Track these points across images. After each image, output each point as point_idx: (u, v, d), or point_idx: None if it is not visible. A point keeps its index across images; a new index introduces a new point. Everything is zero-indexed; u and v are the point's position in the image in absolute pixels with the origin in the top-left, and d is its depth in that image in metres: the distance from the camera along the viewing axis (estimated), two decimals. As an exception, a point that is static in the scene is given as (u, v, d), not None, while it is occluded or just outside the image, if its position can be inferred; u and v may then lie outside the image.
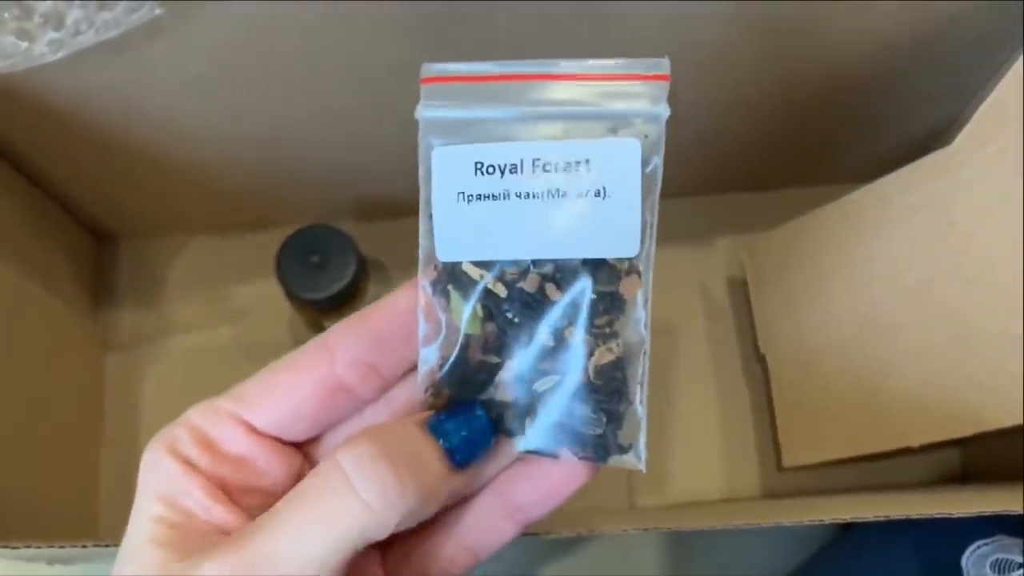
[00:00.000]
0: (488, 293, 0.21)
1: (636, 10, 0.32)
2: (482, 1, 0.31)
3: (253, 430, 0.21)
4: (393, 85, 0.34)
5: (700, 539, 0.44)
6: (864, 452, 0.38)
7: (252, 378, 0.22)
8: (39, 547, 0.26)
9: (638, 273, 0.21)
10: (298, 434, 0.22)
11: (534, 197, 0.20)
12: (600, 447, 0.21)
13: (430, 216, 0.21)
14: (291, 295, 0.42)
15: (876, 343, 0.37)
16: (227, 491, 0.21)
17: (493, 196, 0.20)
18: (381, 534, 0.19)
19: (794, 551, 0.43)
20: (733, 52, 0.36)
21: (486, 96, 0.20)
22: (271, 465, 0.22)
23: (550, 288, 0.21)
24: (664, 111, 0.21)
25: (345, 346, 0.21)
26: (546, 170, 0.20)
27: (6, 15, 0.29)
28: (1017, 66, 0.31)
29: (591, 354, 0.21)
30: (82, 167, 0.41)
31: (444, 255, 0.21)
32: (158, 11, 0.30)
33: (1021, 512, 0.25)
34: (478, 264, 0.21)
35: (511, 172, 0.20)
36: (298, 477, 0.22)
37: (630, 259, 0.21)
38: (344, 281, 0.41)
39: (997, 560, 0.30)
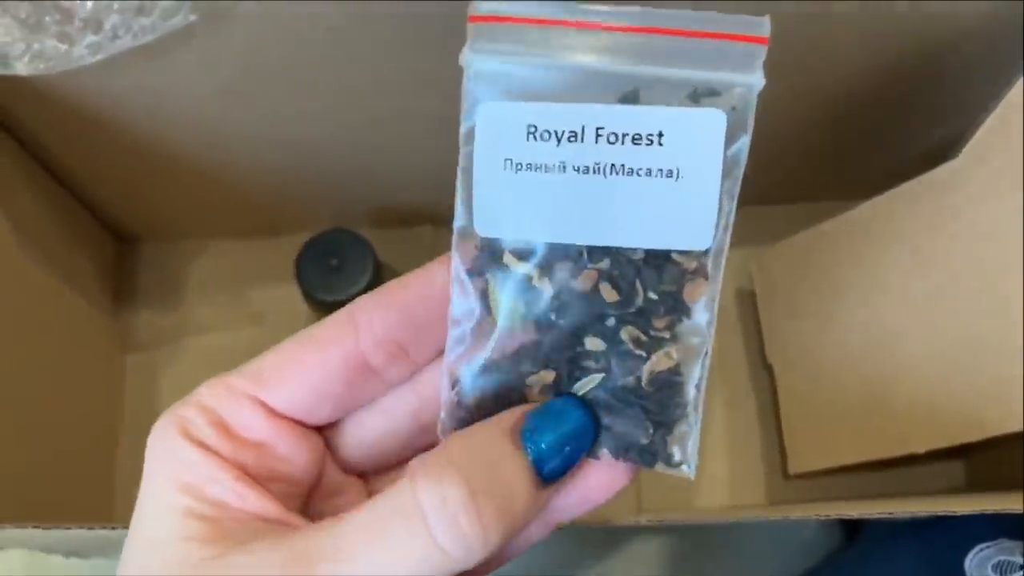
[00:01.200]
0: (533, 288, 0.18)
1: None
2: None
3: (272, 412, 0.19)
4: (418, 93, 0.34)
5: (706, 548, 0.45)
6: (869, 458, 0.38)
7: (268, 353, 0.20)
8: (68, 528, 0.27)
9: (705, 274, 0.18)
10: (320, 417, 0.20)
11: (594, 172, 0.17)
12: (647, 452, 0.19)
13: (470, 184, 0.18)
14: (309, 297, 0.43)
15: (882, 352, 0.38)
16: (251, 477, 0.19)
17: (546, 167, 0.17)
18: (455, 573, 0.17)
19: (800, 560, 0.43)
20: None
21: (547, 45, 0.17)
22: (292, 450, 0.20)
23: (605, 288, 0.18)
24: (759, 81, 0.17)
25: (373, 321, 0.19)
26: (611, 141, 0.17)
27: (47, 19, 0.31)
28: (1019, 83, 0.32)
29: (647, 359, 0.18)
30: (108, 169, 0.42)
31: (484, 229, 0.18)
32: (192, 17, 0.31)
33: (1021, 512, 0.26)
34: (522, 255, 0.18)
35: (570, 140, 0.17)
36: (320, 463, 0.20)
37: (699, 252, 0.18)
38: (360, 285, 0.42)
39: (999, 563, 0.31)
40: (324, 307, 0.43)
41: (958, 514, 0.28)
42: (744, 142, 0.17)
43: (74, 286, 0.43)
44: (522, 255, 0.18)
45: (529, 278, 0.18)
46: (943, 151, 0.38)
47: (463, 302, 0.19)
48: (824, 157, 0.45)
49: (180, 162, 0.41)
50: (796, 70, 0.37)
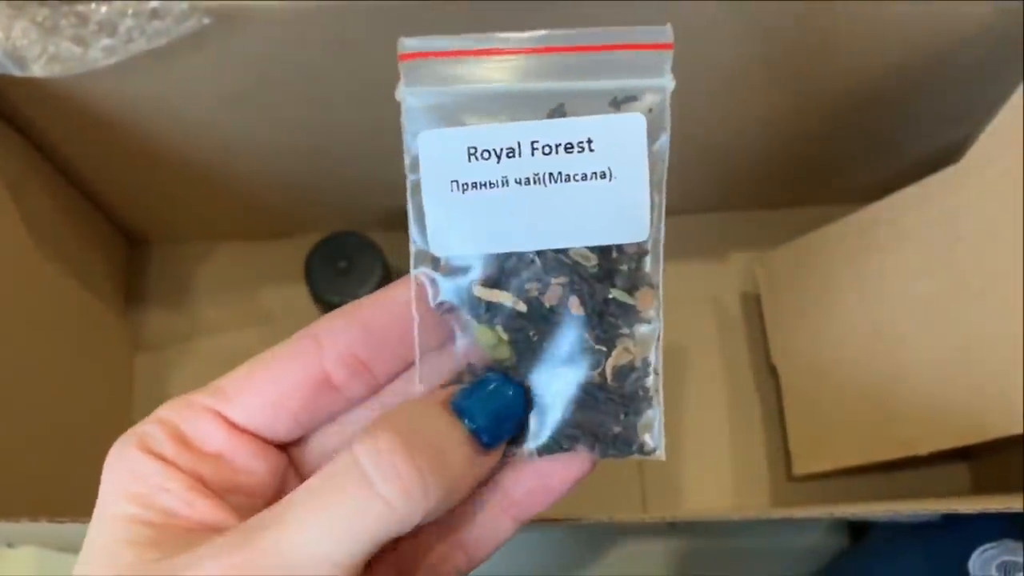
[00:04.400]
0: (511, 313, 0.20)
1: (645, 22, 0.33)
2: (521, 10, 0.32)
3: (232, 426, 0.20)
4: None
5: (710, 551, 0.45)
6: (873, 460, 0.38)
7: (233, 371, 0.20)
8: (82, 522, 0.27)
9: (648, 266, 0.19)
10: (280, 432, 0.20)
11: (535, 183, 0.19)
12: (620, 442, 0.20)
13: (420, 208, 0.19)
14: (317, 298, 0.43)
15: (886, 354, 0.38)
16: (208, 489, 0.19)
17: (490, 183, 0.19)
18: (403, 531, 0.18)
19: (805, 564, 0.43)
20: (747, 72, 0.37)
21: (473, 75, 0.19)
22: (252, 463, 0.20)
23: (572, 301, 0.20)
24: (669, 82, 0.19)
25: (335, 338, 0.20)
26: (546, 152, 0.19)
27: (63, 22, 0.31)
28: (1022, 87, 0.33)
29: (608, 354, 0.20)
30: (120, 171, 0.42)
31: (439, 250, 0.19)
32: (206, 21, 0.31)
33: (1022, 510, 0.26)
34: (492, 284, 0.20)
35: (508, 156, 0.19)
36: (283, 480, 0.21)
37: (640, 244, 0.19)
38: (369, 287, 0.43)
39: (1003, 563, 0.31)
40: (333, 309, 0.43)
41: (962, 515, 0.29)
42: (664, 139, 0.19)
43: (85, 287, 0.44)
44: (493, 284, 0.20)
45: (493, 297, 0.20)
46: (947, 155, 0.39)
47: (433, 331, 0.20)
48: (828, 161, 0.45)
49: (191, 165, 0.41)
50: (800, 75, 0.37)
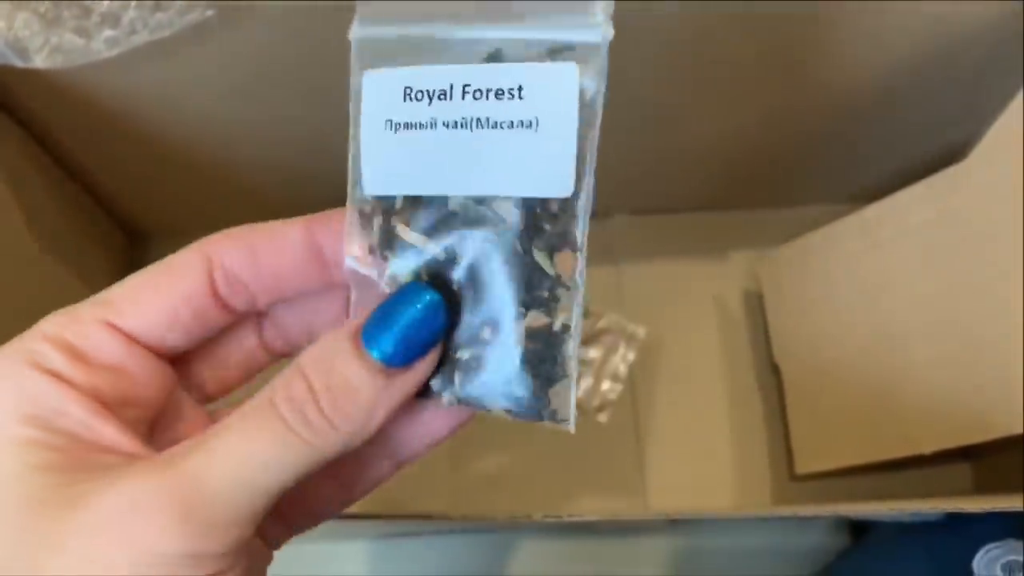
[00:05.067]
0: (432, 260, 0.20)
1: (651, 25, 0.33)
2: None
3: (126, 336, 0.20)
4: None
5: (712, 551, 0.45)
6: (875, 459, 0.38)
7: (118, 284, 0.20)
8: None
9: (570, 233, 0.19)
10: (171, 343, 0.20)
11: (462, 127, 0.19)
12: (530, 406, 0.20)
13: (358, 145, 0.19)
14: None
15: (888, 353, 0.38)
16: (104, 405, 0.19)
17: (420, 124, 0.19)
18: (321, 464, 0.18)
19: (807, 563, 0.43)
20: (750, 70, 0.37)
21: (422, 15, 0.19)
22: (146, 376, 0.20)
23: (492, 257, 0.19)
24: (608, 32, 0.18)
25: (223, 255, 0.20)
26: (476, 97, 0.19)
27: (66, 13, 0.31)
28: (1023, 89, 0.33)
29: (523, 316, 0.19)
30: (120, 164, 0.42)
31: (371, 188, 0.20)
32: (209, 13, 0.31)
33: (1023, 510, 0.26)
34: (418, 229, 0.20)
35: (440, 99, 0.19)
36: (170, 391, 0.21)
37: (564, 200, 0.19)
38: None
39: (1007, 563, 0.31)
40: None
41: (966, 514, 0.29)
42: (596, 90, 0.18)
43: (85, 281, 0.43)
44: (412, 221, 0.20)
45: (418, 243, 0.20)
46: (949, 155, 0.39)
47: (357, 258, 0.20)
48: (830, 160, 0.45)
49: (192, 159, 0.41)
50: (803, 73, 0.37)
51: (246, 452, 0.18)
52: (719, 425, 0.46)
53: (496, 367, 0.20)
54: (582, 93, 0.18)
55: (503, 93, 0.18)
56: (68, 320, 0.19)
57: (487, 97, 0.18)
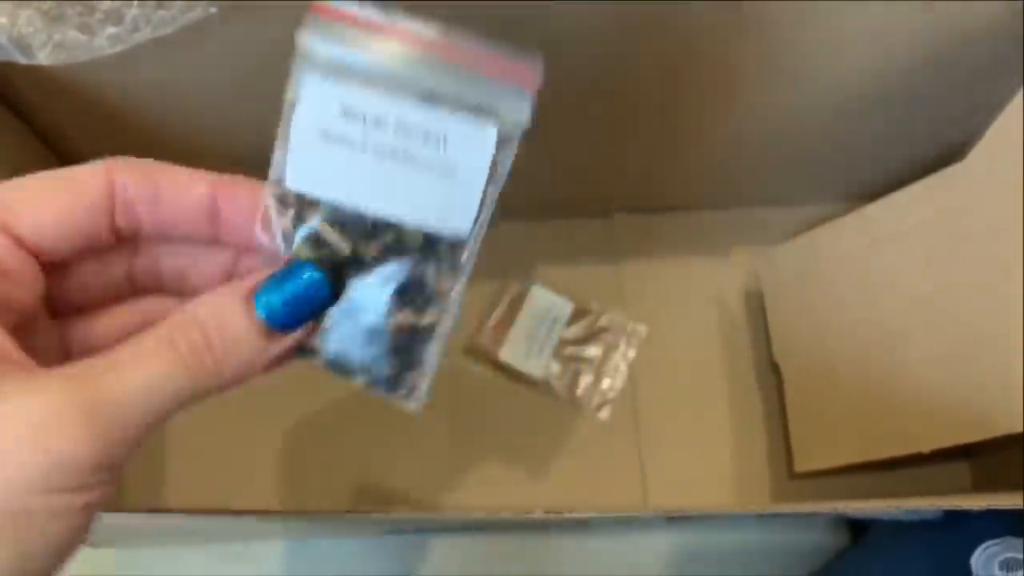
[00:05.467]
0: (327, 241, 0.22)
1: (650, 24, 0.33)
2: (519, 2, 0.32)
3: (17, 240, 0.20)
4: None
5: (711, 549, 0.45)
6: (874, 457, 0.38)
7: (14, 181, 0.21)
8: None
9: (458, 265, 0.22)
10: (54, 252, 0.21)
11: (388, 157, 0.21)
12: (387, 384, 0.23)
13: (287, 141, 0.22)
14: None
15: (888, 352, 0.38)
16: None
17: (351, 142, 0.21)
18: (205, 398, 0.21)
19: (806, 562, 0.43)
20: (751, 69, 0.37)
21: (368, 47, 0.21)
22: (26, 280, 0.21)
23: (388, 261, 0.22)
24: (527, 113, 0.21)
25: (126, 180, 0.21)
26: (406, 133, 0.21)
27: (69, 10, 0.31)
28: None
29: (396, 314, 0.23)
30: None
31: (293, 184, 0.22)
32: (212, 10, 0.31)
33: (1022, 507, 0.26)
34: (330, 223, 0.22)
35: (374, 126, 0.21)
36: (38, 302, 0.21)
37: (459, 241, 0.22)
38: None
39: (1005, 560, 0.31)
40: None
41: (964, 511, 0.29)
42: (508, 159, 0.21)
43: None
44: (326, 217, 0.22)
45: (326, 232, 0.22)
46: (949, 153, 0.39)
47: (268, 235, 0.22)
48: (830, 159, 0.45)
49: (193, 153, 0.41)
50: (803, 73, 0.37)
51: (152, 377, 0.19)
52: (719, 423, 0.46)
53: (365, 345, 0.23)
54: (495, 157, 0.21)
55: (430, 135, 0.21)
56: None
57: (415, 136, 0.21)
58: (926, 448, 0.36)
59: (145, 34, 0.31)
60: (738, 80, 0.38)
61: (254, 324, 0.21)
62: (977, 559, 0.31)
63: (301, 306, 0.22)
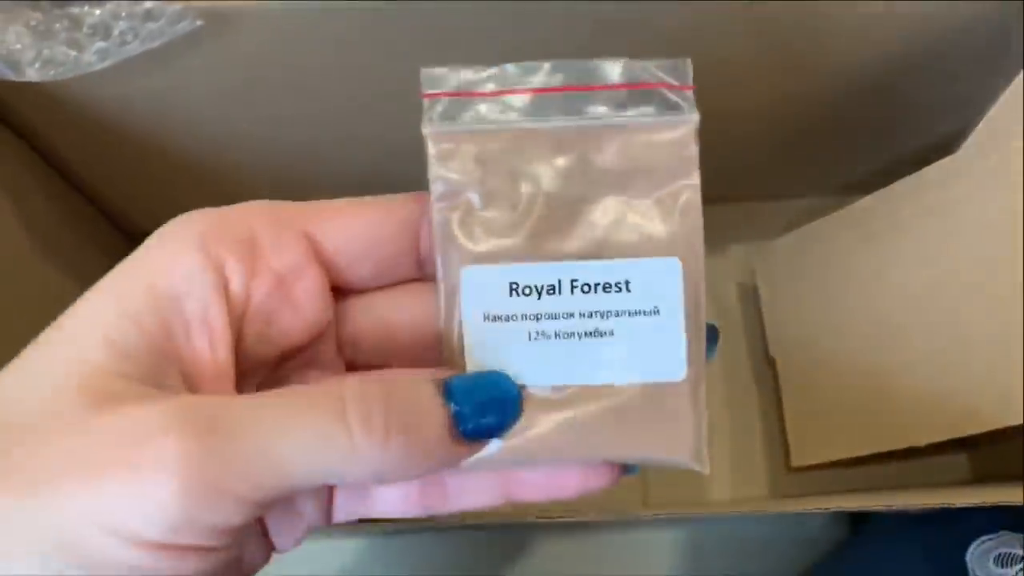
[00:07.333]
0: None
1: (644, 16, 0.33)
2: None
3: (316, 249, 0.19)
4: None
5: (710, 542, 0.45)
6: (871, 451, 0.39)
7: (321, 201, 0.19)
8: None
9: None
10: (356, 274, 0.20)
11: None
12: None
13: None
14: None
15: (884, 346, 0.38)
16: (234, 318, 0.18)
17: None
18: (343, 480, 0.18)
19: (804, 554, 0.44)
20: (743, 62, 0.37)
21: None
22: (312, 299, 0.19)
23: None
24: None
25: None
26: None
27: (57, 26, 0.31)
28: (1019, 78, 0.32)
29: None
30: (117, 171, 0.42)
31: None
32: (199, 23, 0.31)
33: (1022, 504, 0.26)
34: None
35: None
36: (317, 332, 0.19)
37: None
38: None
39: (1000, 555, 0.31)
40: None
41: (959, 507, 0.29)
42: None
43: (84, 286, 0.43)
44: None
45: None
46: (944, 146, 0.39)
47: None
48: (826, 153, 0.45)
49: (188, 164, 0.41)
50: (797, 66, 0.37)
51: (293, 432, 0.17)
52: (715, 417, 0.46)
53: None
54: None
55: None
56: (269, 218, 0.19)
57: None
58: (922, 442, 0.36)
59: (133, 48, 0.31)
60: (731, 76, 0.38)
61: (441, 409, 0.18)
62: (972, 554, 0.31)
63: (489, 414, 0.19)
